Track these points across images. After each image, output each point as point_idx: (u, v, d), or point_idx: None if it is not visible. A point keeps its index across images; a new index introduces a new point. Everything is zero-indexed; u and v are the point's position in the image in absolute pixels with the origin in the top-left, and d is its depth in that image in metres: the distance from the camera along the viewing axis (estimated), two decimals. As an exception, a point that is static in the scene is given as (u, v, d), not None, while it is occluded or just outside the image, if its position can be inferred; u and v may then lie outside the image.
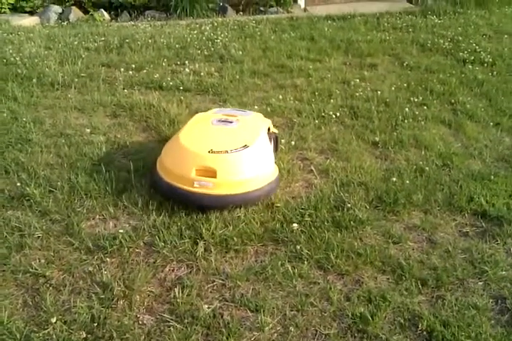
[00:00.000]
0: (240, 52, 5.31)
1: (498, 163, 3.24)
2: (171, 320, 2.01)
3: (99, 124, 3.68)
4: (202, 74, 4.70)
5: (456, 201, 2.79)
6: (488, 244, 2.47)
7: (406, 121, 3.75)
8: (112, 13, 7.40)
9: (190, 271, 2.28)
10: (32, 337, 1.92)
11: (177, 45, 5.56)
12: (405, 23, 6.58)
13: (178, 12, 7.13)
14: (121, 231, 2.49)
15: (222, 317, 2.04)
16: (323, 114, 3.86)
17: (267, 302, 2.09)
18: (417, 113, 3.88)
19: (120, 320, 2.00)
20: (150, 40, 5.71)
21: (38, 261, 2.32)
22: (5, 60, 4.98)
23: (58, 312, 2.04)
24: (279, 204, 2.72)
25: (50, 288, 2.17)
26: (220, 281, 2.22)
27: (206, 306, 2.07)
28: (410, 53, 5.39)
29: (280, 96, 4.16)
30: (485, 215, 2.68)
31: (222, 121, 2.92)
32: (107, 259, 2.33)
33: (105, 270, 2.26)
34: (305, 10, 7.77)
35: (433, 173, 3.05)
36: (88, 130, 3.57)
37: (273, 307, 2.07)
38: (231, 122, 2.91)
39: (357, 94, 4.24)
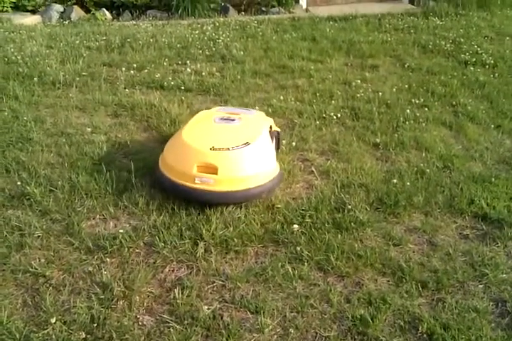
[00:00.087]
0: (242, 53, 5.30)
1: (498, 166, 3.23)
2: (171, 320, 2.01)
3: (100, 124, 3.67)
4: (203, 74, 4.70)
5: (456, 203, 2.78)
6: (489, 247, 2.46)
7: (407, 122, 3.74)
8: (114, 12, 7.42)
9: (190, 272, 2.28)
10: (31, 337, 1.92)
11: (178, 45, 5.56)
12: (407, 24, 6.58)
13: (179, 12, 7.14)
14: (121, 231, 2.49)
15: (222, 318, 2.03)
16: (324, 115, 3.86)
17: (267, 303, 2.09)
18: (418, 114, 3.87)
19: (120, 321, 2.00)
20: (151, 40, 5.71)
21: (37, 260, 2.32)
22: (6, 59, 4.98)
23: (58, 313, 2.03)
24: (279, 205, 2.72)
25: (50, 288, 2.17)
26: (220, 282, 2.22)
27: (206, 307, 2.07)
28: (412, 55, 5.39)
29: (281, 97, 4.16)
30: (485, 218, 2.67)
31: (225, 119, 2.96)
32: (107, 259, 2.33)
33: (105, 270, 2.25)
34: (307, 10, 7.77)
35: (434, 175, 3.05)
36: (89, 129, 3.57)
37: (273, 309, 2.07)
38: (233, 120, 2.94)
39: (358, 95, 4.24)
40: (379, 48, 5.55)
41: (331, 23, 6.70)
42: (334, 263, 2.30)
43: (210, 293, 2.17)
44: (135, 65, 4.88)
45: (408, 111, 3.92)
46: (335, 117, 3.81)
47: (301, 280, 2.23)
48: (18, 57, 4.98)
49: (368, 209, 2.71)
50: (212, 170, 2.61)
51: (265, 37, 5.98)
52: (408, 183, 2.91)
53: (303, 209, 2.67)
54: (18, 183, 2.86)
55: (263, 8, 7.52)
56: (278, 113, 3.86)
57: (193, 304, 2.08)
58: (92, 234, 2.50)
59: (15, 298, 2.12)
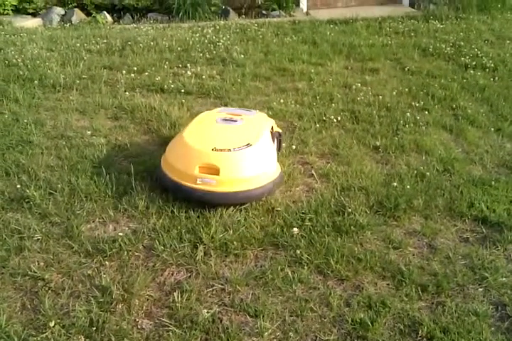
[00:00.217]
0: (242, 56, 5.31)
1: (498, 169, 3.23)
2: (170, 324, 2.00)
3: (100, 126, 3.68)
4: (204, 77, 4.70)
5: (456, 206, 2.78)
6: (489, 250, 2.46)
7: (407, 125, 3.74)
8: (115, 15, 7.44)
9: (190, 275, 2.28)
10: (30, 340, 1.92)
11: (179, 48, 5.57)
12: (407, 27, 6.58)
13: (180, 15, 7.15)
14: (120, 234, 2.48)
15: (221, 322, 2.03)
16: (324, 118, 3.86)
17: (267, 307, 2.08)
18: (418, 118, 3.87)
19: (119, 325, 1.99)
20: (152, 43, 5.72)
21: (37, 263, 2.31)
22: (7, 62, 4.99)
23: (57, 316, 2.03)
24: (279, 209, 2.71)
25: (49, 291, 2.16)
26: (220, 286, 2.21)
27: (205, 311, 2.06)
28: (412, 58, 5.39)
29: (281, 100, 4.17)
30: (485, 221, 2.67)
31: (227, 120, 2.98)
32: (106, 263, 2.33)
33: (104, 273, 2.25)
34: (307, 14, 7.79)
35: (434, 178, 3.04)
36: (89, 132, 3.58)
37: (272, 313, 2.06)
38: (235, 121, 2.97)
39: (358, 98, 4.24)
40: (379, 51, 5.55)
41: (331, 26, 6.71)
42: (334, 266, 2.30)
43: (210, 296, 2.16)
44: (135, 68, 4.89)
45: (408, 114, 3.92)
46: (335, 120, 3.81)
47: (300, 283, 2.23)
48: (19, 60, 4.99)
49: (368, 212, 2.70)
50: (214, 170, 2.63)
51: (265, 40, 5.98)
52: (408, 186, 2.91)
53: (303, 213, 2.67)
54: (18, 186, 2.87)
55: (263, 12, 7.53)
56: (278, 116, 3.86)
57: (192, 307, 2.08)
58: (91, 237, 2.49)
59: (14, 302, 2.12)
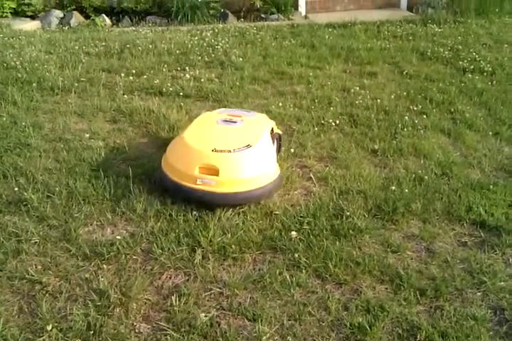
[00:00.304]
0: (241, 59, 5.32)
1: (497, 173, 3.24)
2: (168, 328, 2.00)
3: (99, 129, 3.67)
4: (202, 80, 4.70)
5: (455, 210, 2.78)
6: (487, 254, 2.46)
7: (405, 129, 3.75)
8: (113, 18, 7.43)
9: (188, 279, 2.27)
10: (27, 344, 1.91)
11: (178, 51, 5.57)
12: (405, 31, 6.59)
13: (179, 18, 7.15)
14: (118, 237, 2.48)
15: (219, 326, 2.02)
16: (322, 121, 3.86)
17: (265, 311, 2.08)
18: (416, 121, 3.88)
19: (116, 328, 1.98)
20: (151, 46, 5.72)
21: (34, 267, 2.31)
22: (5, 64, 4.98)
23: (54, 320, 2.02)
24: (277, 212, 2.71)
25: (47, 294, 2.16)
26: (218, 289, 2.21)
27: (203, 315, 2.06)
28: (410, 62, 5.40)
29: (280, 103, 4.17)
30: (484, 225, 2.67)
31: (227, 121, 3.00)
32: (104, 266, 2.32)
33: (102, 277, 2.24)
34: (306, 17, 7.79)
35: (432, 182, 3.05)
36: (87, 135, 3.57)
37: (271, 317, 2.06)
38: (235, 122, 2.99)
39: (356, 101, 4.25)
40: (377, 55, 5.56)
41: (329, 29, 6.72)
42: (332, 270, 2.30)
43: (208, 300, 2.16)
44: (134, 71, 4.88)
45: (406, 118, 3.93)
46: (333, 124, 3.82)
47: (299, 287, 2.22)
48: (17, 63, 4.98)
49: (366, 216, 2.70)
50: (214, 171, 2.65)
51: (264, 43, 5.99)
52: (406, 190, 2.91)
53: (301, 216, 2.67)
54: (16, 189, 2.86)
55: (262, 15, 7.54)
56: (277, 119, 3.84)
57: (190, 311, 2.07)
58: (89, 241, 2.49)
59: (11, 305, 2.11)
